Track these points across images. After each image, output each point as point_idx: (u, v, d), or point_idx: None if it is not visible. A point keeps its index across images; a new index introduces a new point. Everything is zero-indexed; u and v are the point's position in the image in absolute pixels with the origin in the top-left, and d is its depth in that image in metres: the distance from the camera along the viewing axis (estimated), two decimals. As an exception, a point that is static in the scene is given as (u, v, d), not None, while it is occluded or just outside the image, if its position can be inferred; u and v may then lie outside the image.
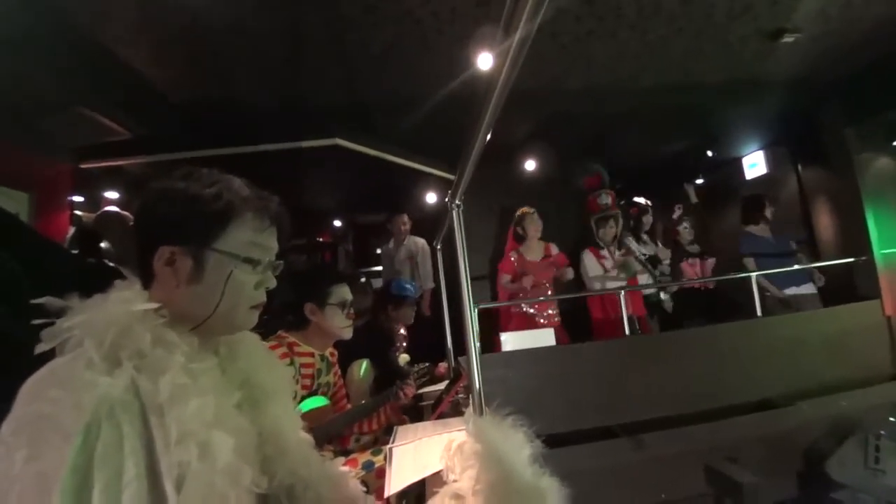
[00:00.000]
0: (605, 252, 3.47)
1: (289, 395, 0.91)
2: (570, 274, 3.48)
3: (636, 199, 3.87)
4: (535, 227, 3.47)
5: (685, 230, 4.01)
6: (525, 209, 3.54)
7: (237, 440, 0.67)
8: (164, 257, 0.70)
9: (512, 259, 3.47)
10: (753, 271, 3.16)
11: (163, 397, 0.60)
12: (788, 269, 3.15)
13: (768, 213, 3.57)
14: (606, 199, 3.54)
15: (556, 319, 3.36)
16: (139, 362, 0.61)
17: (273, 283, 0.80)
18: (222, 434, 0.65)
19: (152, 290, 0.72)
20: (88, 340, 0.60)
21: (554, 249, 3.55)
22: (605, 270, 3.42)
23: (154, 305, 0.68)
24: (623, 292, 2.70)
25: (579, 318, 3.57)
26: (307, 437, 0.91)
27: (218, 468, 0.63)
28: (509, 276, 3.43)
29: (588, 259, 3.46)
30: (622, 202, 3.77)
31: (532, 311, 3.34)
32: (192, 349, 0.69)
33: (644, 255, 3.62)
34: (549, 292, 3.46)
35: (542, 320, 3.30)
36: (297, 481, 0.83)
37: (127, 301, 0.67)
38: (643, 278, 3.51)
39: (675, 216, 4.14)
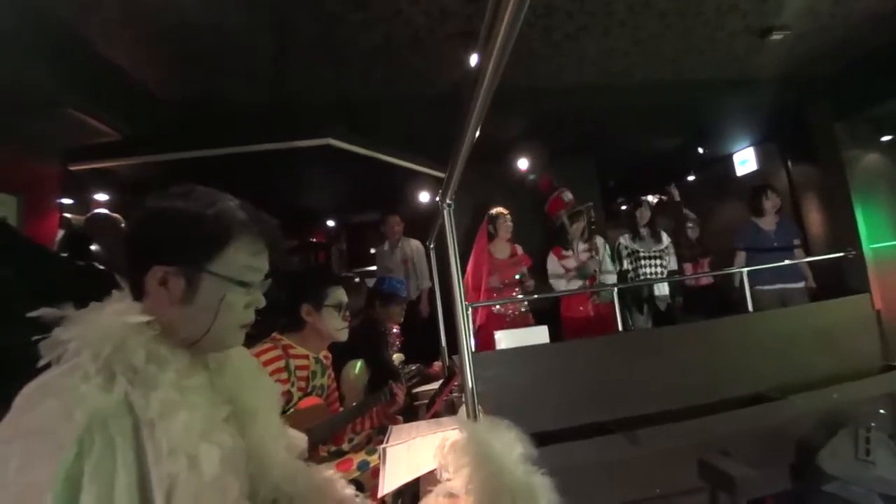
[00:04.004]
0: (568, 251, 3.52)
1: (274, 412, 0.90)
2: (528, 278, 3.55)
3: (646, 197, 3.89)
4: (505, 228, 3.52)
5: (689, 229, 4.04)
6: (499, 209, 3.58)
7: (224, 453, 0.68)
8: (157, 277, 0.70)
9: (483, 255, 3.52)
10: (736, 264, 3.17)
11: (154, 412, 0.62)
12: (774, 264, 3.17)
13: (767, 205, 3.56)
14: (569, 195, 3.60)
15: (526, 317, 3.42)
16: (132, 377, 0.63)
17: (263, 303, 0.80)
18: (209, 446, 0.66)
19: (144, 304, 0.72)
20: (85, 353, 0.61)
21: (519, 250, 3.62)
22: (567, 270, 3.49)
23: (148, 318, 0.68)
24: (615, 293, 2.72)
25: (551, 317, 3.60)
26: (295, 448, 0.92)
27: (205, 480, 0.64)
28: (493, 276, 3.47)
29: (550, 260, 3.54)
30: (620, 201, 3.80)
31: (501, 309, 3.40)
32: (183, 365, 0.70)
33: (637, 251, 3.65)
34: (517, 290, 3.51)
35: (508, 318, 3.37)
36: (281, 496, 0.84)
37: (122, 313, 0.68)
38: (610, 277, 3.56)
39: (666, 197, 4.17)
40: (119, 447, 0.58)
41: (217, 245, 0.72)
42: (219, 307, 0.73)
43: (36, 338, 0.63)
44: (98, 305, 0.69)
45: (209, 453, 0.65)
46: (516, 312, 3.42)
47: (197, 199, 0.73)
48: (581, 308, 3.48)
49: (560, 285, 3.50)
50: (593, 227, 3.64)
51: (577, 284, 3.46)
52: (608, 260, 3.59)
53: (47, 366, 0.62)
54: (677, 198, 4.23)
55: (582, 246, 3.55)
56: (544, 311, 3.61)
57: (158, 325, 0.69)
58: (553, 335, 2.84)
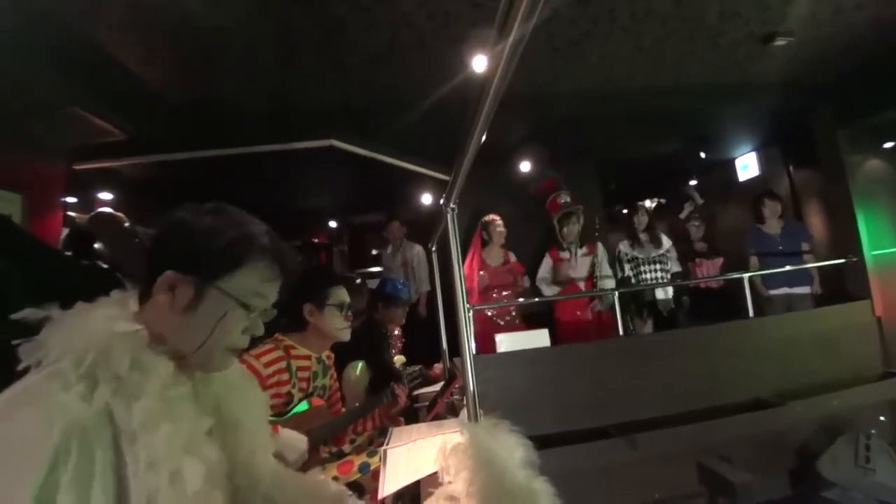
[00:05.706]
0: (565, 254, 3.53)
1: (263, 422, 0.90)
2: (525, 282, 3.60)
3: (644, 202, 3.89)
4: (497, 234, 3.55)
5: (694, 228, 4.03)
6: (491, 216, 3.61)
7: (208, 467, 0.67)
8: (167, 282, 0.71)
9: (476, 260, 3.56)
10: (751, 270, 3.16)
11: (135, 423, 0.60)
12: (774, 270, 3.17)
13: (766, 211, 3.57)
14: (566, 197, 3.61)
15: (516, 322, 3.45)
16: (115, 385, 0.61)
17: (261, 331, 0.80)
18: (194, 460, 0.65)
19: (145, 309, 0.73)
20: (67, 358, 0.60)
21: (512, 258, 3.64)
22: (563, 273, 3.48)
23: (137, 327, 0.68)
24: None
25: (545, 321, 3.60)
26: (296, 449, 0.91)
27: (188, 495, 0.63)
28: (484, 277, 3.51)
29: (545, 262, 3.57)
30: (620, 206, 3.80)
31: (492, 314, 3.43)
32: (169, 375, 0.68)
33: (636, 257, 3.65)
34: (505, 295, 3.53)
35: (501, 322, 3.40)
36: None
37: (110, 319, 0.67)
38: (609, 282, 3.57)
39: (682, 214, 4.16)
40: (97, 459, 0.56)
41: (232, 264, 0.73)
42: (217, 323, 0.73)
43: (15, 342, 0.61)
44: (86, 307, 0.67)
45: (193, 468, 0.64)
46: (506, 318, 3.45)
47: (225, 218, 0.76)
48: (578, 312, 3.48)
49: (545, 289, 3.53)
50: (597, 232, 3.64)
51: (556, 290, 3.50)
52: (606, 265, 3.58)
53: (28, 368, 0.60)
54: (700, 200, 4.22)
55: (581, 250, 3.55)
56: (541, 314, 3.63)
57: (148, 333, 0.68)
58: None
